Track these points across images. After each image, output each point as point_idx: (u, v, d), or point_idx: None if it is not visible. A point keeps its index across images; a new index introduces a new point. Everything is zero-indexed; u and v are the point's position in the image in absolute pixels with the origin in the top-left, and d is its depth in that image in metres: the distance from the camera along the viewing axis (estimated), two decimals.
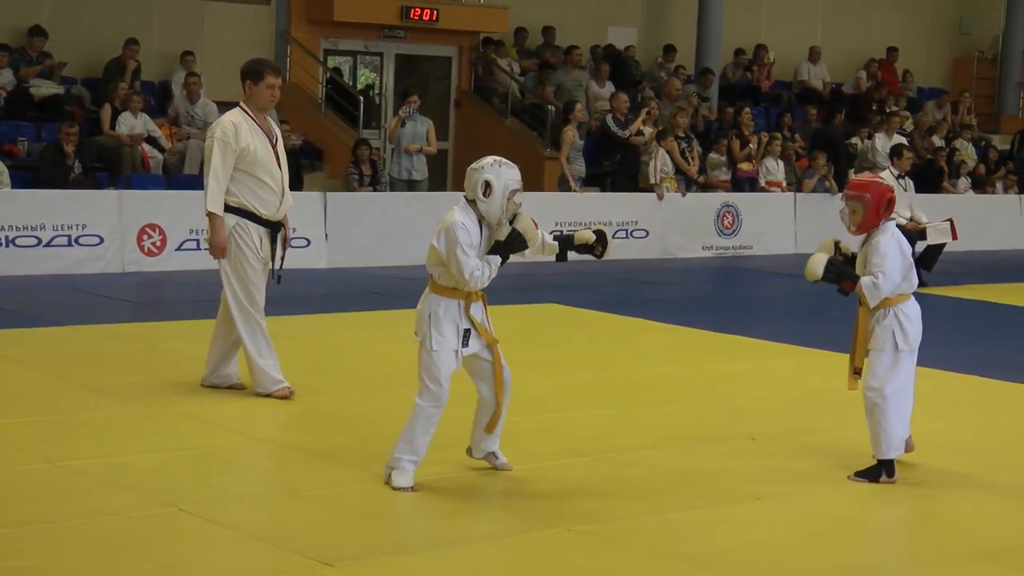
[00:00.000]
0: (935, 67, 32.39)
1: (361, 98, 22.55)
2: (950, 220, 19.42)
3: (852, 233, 8.94)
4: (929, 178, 25.07)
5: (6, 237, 16.64)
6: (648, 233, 21.41)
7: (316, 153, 21.99)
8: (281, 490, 8.25)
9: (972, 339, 15.31)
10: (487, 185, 8.05)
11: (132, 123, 19.32)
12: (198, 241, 17.68)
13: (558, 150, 21.87)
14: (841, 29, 30.43)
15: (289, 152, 11.71)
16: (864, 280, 8.70)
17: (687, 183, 22.43)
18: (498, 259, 8.14)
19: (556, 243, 8.52)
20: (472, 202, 8.09)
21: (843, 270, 8.77)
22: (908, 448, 9.04)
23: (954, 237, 19.33)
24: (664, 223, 21.41)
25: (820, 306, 17.26)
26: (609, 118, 22.36)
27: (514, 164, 8.27)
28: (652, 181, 21.81)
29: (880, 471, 8.78)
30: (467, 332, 8.18)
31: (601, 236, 8.56)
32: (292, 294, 10.65)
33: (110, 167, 18.76)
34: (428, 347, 8.10)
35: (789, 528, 7.88)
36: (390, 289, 16.47)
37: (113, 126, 19.23)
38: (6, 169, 17.34)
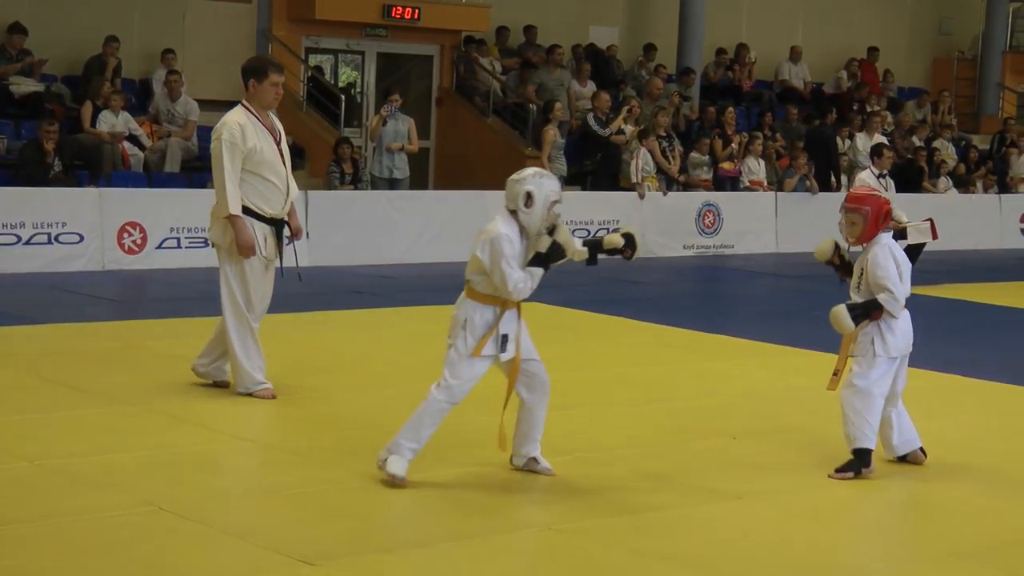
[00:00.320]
0: (915, 67, 32.47)
1: (343, 96, 22.52)
2: (930, 220, 19.46)
3: (851, 244, 9.16)
4: (909, 178, 25.14)
5: None
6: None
7: (297, 151, 21.95)
8: (262, 489, 8.24)
9: (952, 338, 15.32)
10: (529, 196, 8.12)
11: (113, 121, 19.28)
12: (179, 239, 17.67)
13: (539, 149, 21.88)
14: (822, 29, 30.49)
15: None
16: (881, 298, 8.90)
17: (668, 182, 22.46)
18: (540, 271, 8.20)
19: (586, 249, 8.56)
20: (514, 212, 8.18)
21: (864, 308, 8.92)
22: (918, 460, 9.18)
23: (934, 237, 19.36)
24: (645, 222, 21.42)
25: (800, 305, 17.34)
26: (590, 117, 22.38)
27: (553, 175, 8.35)
28: (633, 180, 21.83)
29: (858, 463, 8.88)
30: (504, 337, 8.24)
31: (630, 239, 8.60)
32: (273, 292, 10.64)
33: (90, 165, 18.72)
34: (459, 348, 8.20)
35: (770, 526, 7.89)
36: (371, 288, 16.46)
37: (94, 124, 19.19)
38: None
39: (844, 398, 8.93)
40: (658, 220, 21.76)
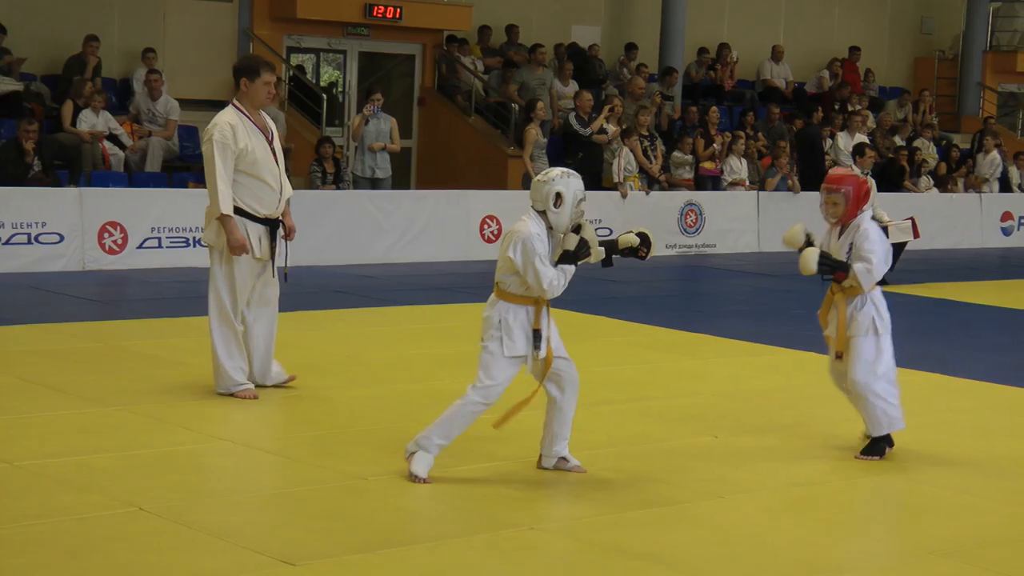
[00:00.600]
0: (896, 67, 32.54)
1: (324, 96, 22.51)
2: (911, 219, 19.52)
3: (832, 225, 9.37)
4: (891, 177, 25.19)
5: None
6: (611, 231, 21.38)
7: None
8: (243, 489, 8.22)
9: (932, 337, 15.36)
10: (559, 196, 8.25)
11: (93, 120, 19.22)
12: (159, 239, 17.63)
13: (522, 148, 21.87)
14: (803, 29, 30.54)
15: None
16: (857, 267, 9.11)
17: (649, 182, 22.46)
18: (572, 268, 8.34)
19: (602, 249, 8.64)
20: (542, 212, 8.29)
21: (835, 262, 9.14)
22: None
23: (915, 236, 19.43)
24: (627, 221, 21.37)
25: (782, 304, 17.36)
26: (572, 116, 22.37)
27: (578, 174, 8.45)
28: (616, 180, 21.83)
29: (882, 445, 9.28)
30: (537, 335, 8.34)
31: (645, 238, 8.75)
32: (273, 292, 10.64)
33: (70, 164, 18.66)
34: (493, 349, 8.30)
35: (752, 524, 7.89)
36: (353, 288, 16.44)
37: (74, 123, 19.13)
38: None
39: (867, 392, 9.20)
40: (640, 219, 21.71)
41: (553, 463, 8.67)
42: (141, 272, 17.13)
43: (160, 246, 17.65)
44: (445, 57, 24.82)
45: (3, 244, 16.74)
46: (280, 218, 10.39)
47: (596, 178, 22.23)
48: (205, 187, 10.29)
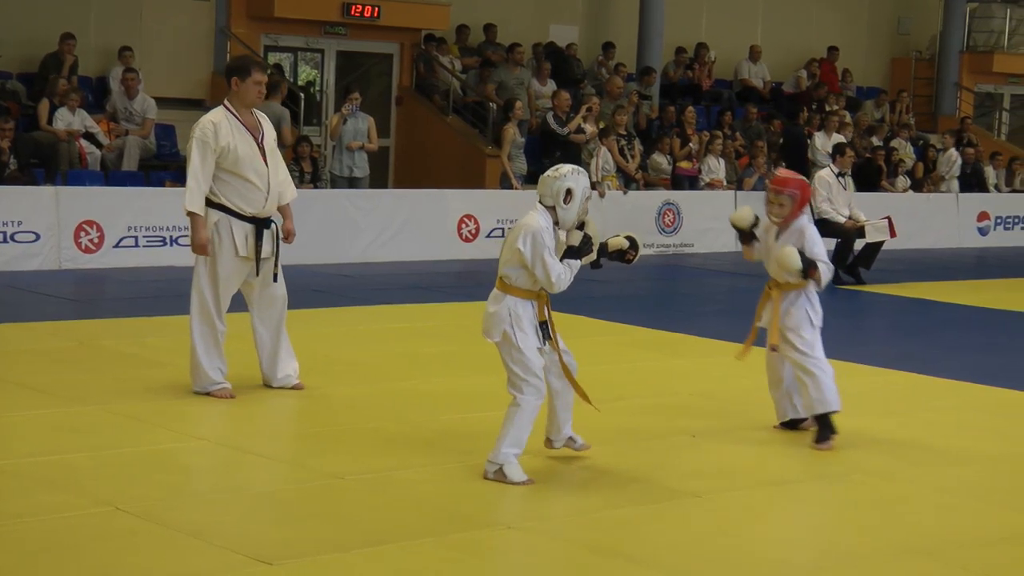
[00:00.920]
0: (873, 67, 32.60)
1: (302, 95, 22.47)
2: (888, 218, 19.56)
3: (776, 224, 9.77)
4: (868, 177, 25.25)
5: None
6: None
7: None
8: (220, 489, 8.20)
9: (910, 336, 15.40)
10: (569, 193, 8.39)
11: (69, 119, 19.17)
12: (136, 238, 17.58)
13: (499, 147, 21.86)
14: (781, 29, 30.58)
15: None
16: (821, 267, 9.53)
17: (627, 181, 22.47)
18: (578, 263, 8.50)
19: (593, 252, 8.77)
20: (551, 208, 8.41)
21: (810, 260, 9.50)
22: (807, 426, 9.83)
23: (892, 235, 19.47)
24: (605, 221, 21.37)
25: None
26: (550, 116, 22.36)
27: (584, 171, 8.65)
28: (593, 179, 21.83)
29: (828, 428, 9.52)
30: (544, 328, 8.53)
31: (633, 242, 8.98)
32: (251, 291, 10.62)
33: (47, 163, 18.60)
34: (518, 346, 8.41)
35: (729, 524, 7.89)
36: (331, 287, 16.42)
37: (50, 121, 19.07)
38: None
39: (814, 369, 9.54)
40: (618, 219, 21.71)
41: (562, 443, 8.92)
42: (118, 271, 17.08)
43: (137, 245, 17.60)
44: (423, 56, 24.79)
45: None
46: (273, 218, 10.35)
47: None
48: (182, 186, 10.28)
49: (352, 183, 20.17)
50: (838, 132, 25.20)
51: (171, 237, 17.58)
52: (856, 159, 22.97)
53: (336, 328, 13.81)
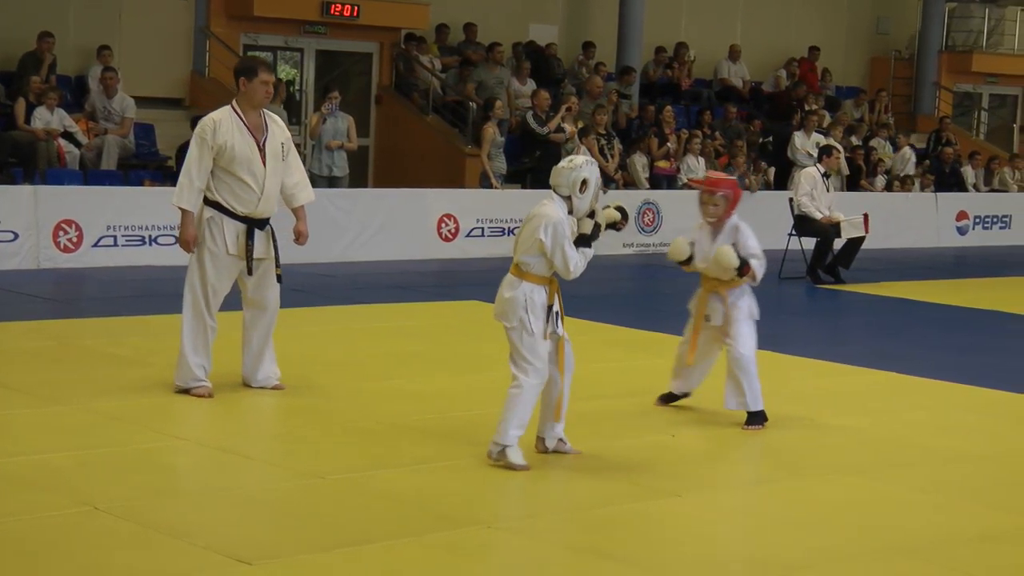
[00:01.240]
0: (853, 66, 32.65)
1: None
2: (864, 215, 19.59)
3: (711, 224, 10.25)
4: (847, 176, 25.30)
5: None
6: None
7: None
8: (199, 489, 8.18)
9: (889, 336, 15.43)
10: (584, 183, 8.72)
11: (47, 118, 19.10)
12: (115, 237, 17.54)
13: (479, 147, 21.84)
14: (760, 28, 30.61)
15: None
16: (754, 263, 10.06)
17: (606, 180, 22.47)
18: (591, 251, 8.85)
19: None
20: (567, 198, 8.73)
21: (743, 261, 9.98)
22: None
23: (865, 231, 19.48)
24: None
25: None
26: (529, 115, 22.36)
27: (595, 162, 9.02)
28: None
29: (761, 417, 10.05)
30: (557, 315, 8.83)
31: (623, 211, 9.27)
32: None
33: (25, 162, 18.55)
34: (530, 330, 8.65)
35: (708, 523, 7.90)
36: (311, 286, 16.39)
37: (28, 120, 19.01)
38: None
39: (748, 366, 10.04)
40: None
41: (554, 444, 9.01)
42: (97, 271, 17.04)
43: (116, 244, 17.55)
44: (402, 56, 24.77)
45: None
46: (267, 220, 10.35)
47: None
48: (161, 185, 10.30)
49: (332, 182, 20.15)
50: (824, 132, 25.23)
51: (150, 236, 17.54)
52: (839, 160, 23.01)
53: (316, 328, 13.79)
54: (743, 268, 9.97)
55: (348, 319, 14.46)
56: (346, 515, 7.70)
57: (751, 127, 26.39)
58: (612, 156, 22.66)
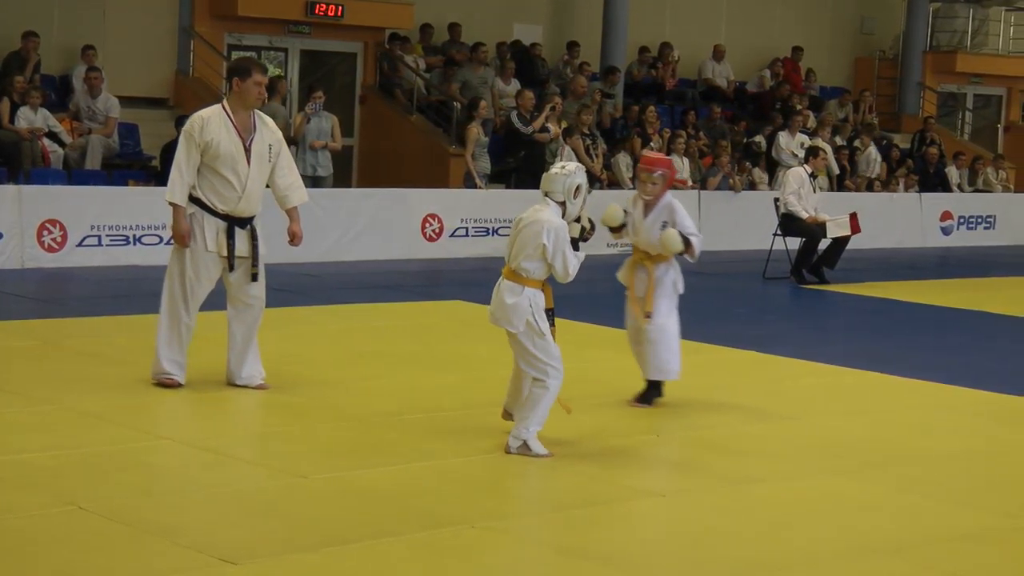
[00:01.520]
0: (837, 66, 32.69)
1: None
2: (854, 213, 19.59)
3: (648, 202, 10.62)
4: (836, 175, 25.37)
5: None
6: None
7: None
8: (183, 488, 8.16)
9: (873, 336, 15.45)
10: (578, 188, 9.07)
11: (32, 117, 19.08)
12: (99, 237, 17.52)
13: (463, 147, 21.84)
14: (744, 28, 30.64)
15: None
16: (695, 239, 10.48)
17: (592, 180, 22.46)
18: (583, 254, 9.17)
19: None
20: (561, 203, 9.04)
21: (686, 240, 10.42)
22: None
23: (857, 230, 19.48)
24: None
25: (723, 303, 17.43)
26: (514, 115, 22.37)
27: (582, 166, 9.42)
28: None
29: (654, 392, 10.56)
30: (551, 313, 9.08)
31: (593, 224, 9.55)
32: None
33: (9, 162, 18.52)
34: (540, 332, 8.95)
35: (692, 523, 7.91)
36: (293, 286, 16.38)
37: (12, 120, 18.98)
38: None
39: (660, 336, 10.46)
40: None
41: (517, 445, 9.03)
42: (81, 270, 17.02)
43: (100, 244, 17.53)
44: (387, 55, 24.76)
45: None
46: (248, 219, 10.39)
47: (538, 177, 22.10)
48: (145, 185, 10.34)
49: (316, 182, 20.13)
50: (811, 134, 25.25)
51: (134, 236, 17.52)
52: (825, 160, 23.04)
53: (299, 327, 13.79)
54: (687, 248, 10.39)
55: (332, 319, 14.45)
56: (330, 514, 7.69)
57: (735, 127, 26.41)
58: (596, 156, 22.67)
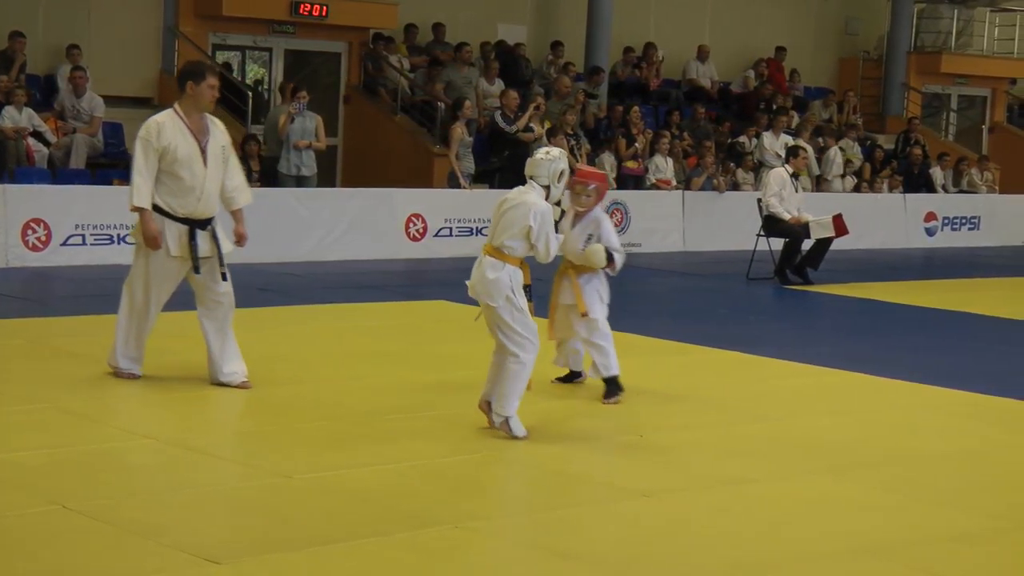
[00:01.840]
0: (821, 67, 32.73)
1: (250, 93, 22.40)
2: (839, 215, 19.60)
3: (581, 213, 10.83)
4: (816, 176, 25.38)
5: None
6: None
7: None
8: (167, 487, 8.16)
9: (857, 337, 15.47)
10: (562, 173, 9.52)
11: (16, 116, 19.04)
12: (84, 236, 17.49)
13: (447, 147, 21.85)
14: (729, 28, 30.66)
15: None
16: (616, 257, 10.77)
17: None
18: (562, 236, 9.82)
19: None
20: (546, 187, 9.47)
21: (610, 256, 10.70)
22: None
23: (844, 232, 19.49)
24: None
25: (708, 304, 17.46)
26: (497, 115, 22.38)
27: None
28: None
29: (616, 387, 10.74)
30: (528, 289, 9.43)
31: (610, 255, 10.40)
32: (178, 290, 10.61)
33: None
34: (519, 307, 9.33)
35: (677, 524, 7.91)
36: (278, 286, 16.38)
37: None
38: None
39: (605, 336, 10.74)
40: None
41: (500, 421, 9.36)
42: (65, 269, 16.99)
43: (84, 243, 17.50)
44: (371, 55, 24.75)
45: None
46: (208, 220, 10.43)
47: (522, 176, 22.15)
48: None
49: (300, 182, 20.15)
50: (792, 134, 25.28)
51: (119, 235, 17.48)
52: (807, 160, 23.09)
53: (283, 327, 13.78)
54: (609, 263, 10.72)
55: (315, 318, 14.44)
56: (313, 514, 7.69)
57: (720, 128, 26.43)
58: (580, 156, 22.68)
